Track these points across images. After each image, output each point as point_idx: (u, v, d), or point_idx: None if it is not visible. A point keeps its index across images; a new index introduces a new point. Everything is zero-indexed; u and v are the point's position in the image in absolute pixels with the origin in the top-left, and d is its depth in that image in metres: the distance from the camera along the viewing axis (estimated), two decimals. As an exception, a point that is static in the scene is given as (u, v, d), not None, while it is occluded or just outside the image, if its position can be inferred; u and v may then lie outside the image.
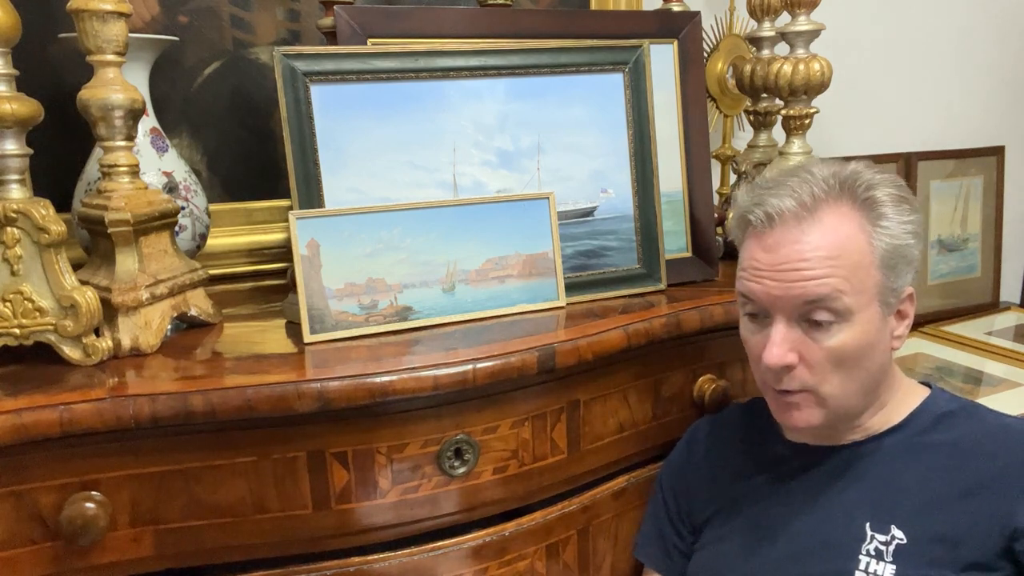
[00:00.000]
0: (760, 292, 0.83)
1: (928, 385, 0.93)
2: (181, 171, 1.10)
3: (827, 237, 0.80)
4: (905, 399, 0.90)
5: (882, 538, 0.82)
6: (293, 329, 0.98)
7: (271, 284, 1.24)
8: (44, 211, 0.84)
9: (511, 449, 0.93)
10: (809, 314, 0.81)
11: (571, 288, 1.08)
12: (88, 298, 0.85)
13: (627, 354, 0.99)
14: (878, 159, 1.87)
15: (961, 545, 0.79)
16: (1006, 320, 2.00)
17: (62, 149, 1.11)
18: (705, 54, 1.43)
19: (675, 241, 1.21)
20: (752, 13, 1.35)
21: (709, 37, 1.51)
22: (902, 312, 0.86)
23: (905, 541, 0.81)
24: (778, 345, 0.82)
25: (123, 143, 0.91)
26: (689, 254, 1.22)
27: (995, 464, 0.82)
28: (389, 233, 0.98)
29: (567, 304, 1.06)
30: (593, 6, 1.48)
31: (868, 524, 0.83)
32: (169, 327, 0.95)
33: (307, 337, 0.93)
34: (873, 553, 0.82)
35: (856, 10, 1.78)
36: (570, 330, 0.96)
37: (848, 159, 0.88)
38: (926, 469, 0.84)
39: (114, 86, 0.88)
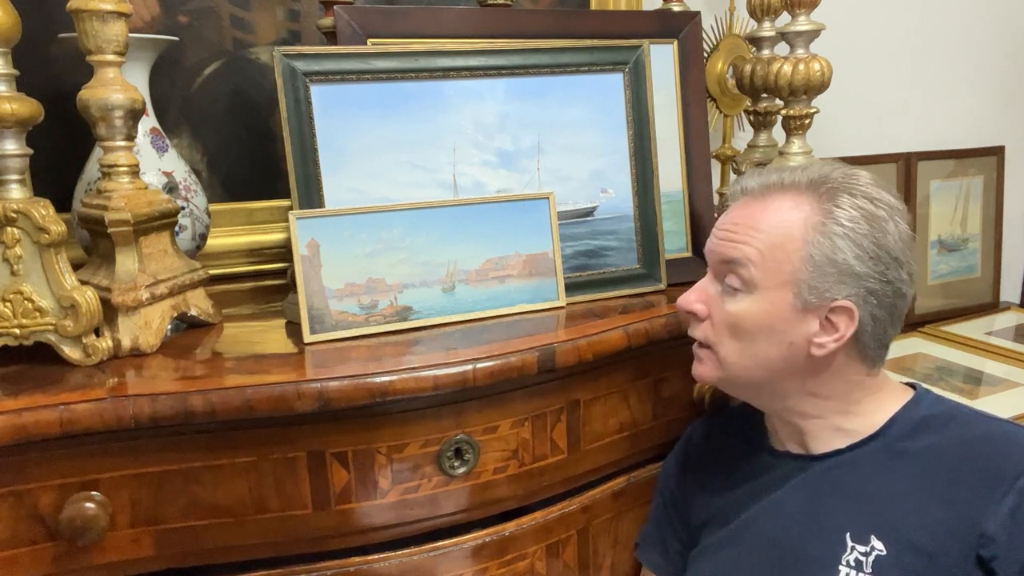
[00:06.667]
0: (707, 245, 0.91)
1: (914, 386, 0.92)
2: (181, 171, 1.10)
3: (764, 214, 0.85)
4: (884, 403, 0.89)
5: (862, 549, 0.82)
6: (293, 329, 0.98)
7: (271, 284, 1.24)
8: (44, 211, 0.84)
9: (511, 449, 0.93)
10: (724, 275, 0.87)
11: (571, 288, 1.08)
12: (88, 298, 0.85)
13: (627, 354, 0.99)
14: (878, 159, 1.87)
15: (939, 556, 0.78)
16: (1006, 320, 2.00)
17: (62, 149, 1.11)
18: (705, 54, 1.43)
19: (675, 241, 1.21)
20: (752, 13, 1.35)
21: (709, 37, 1.51)
22: (832, 323, 0.82)
23: (885, 552, 0.80)
24: (693, 292, 0.90)
25: (123, 143, 0.91)
26: (689, 254, 1.22)
27: (971, 472, 0.81)
28: (389, 233, 0.98)
29: (567, 304, 1.06)
30: (593, 6, 1.48)
31: (848, 534, 0.83)
32: (169, 327, 0.95)
33: (307, 337, 0.93)
34: (853, 564, 0.81)
35: (856, 10, 1.78)
36: (570, 330, 0.96)
37: (844, 161, 0.90)
38: (906, 478, 0.84)
39: (114, 86, 0.88)
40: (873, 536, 0.82)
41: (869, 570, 0.80)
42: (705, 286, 0.90)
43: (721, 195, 1.54)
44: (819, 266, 0.81)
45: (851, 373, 0.86)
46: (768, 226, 0.84)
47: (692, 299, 0.89)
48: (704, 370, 0.91)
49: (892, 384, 0.92)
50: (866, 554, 0.81)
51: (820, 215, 0.82)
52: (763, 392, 0.90)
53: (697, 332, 0.90)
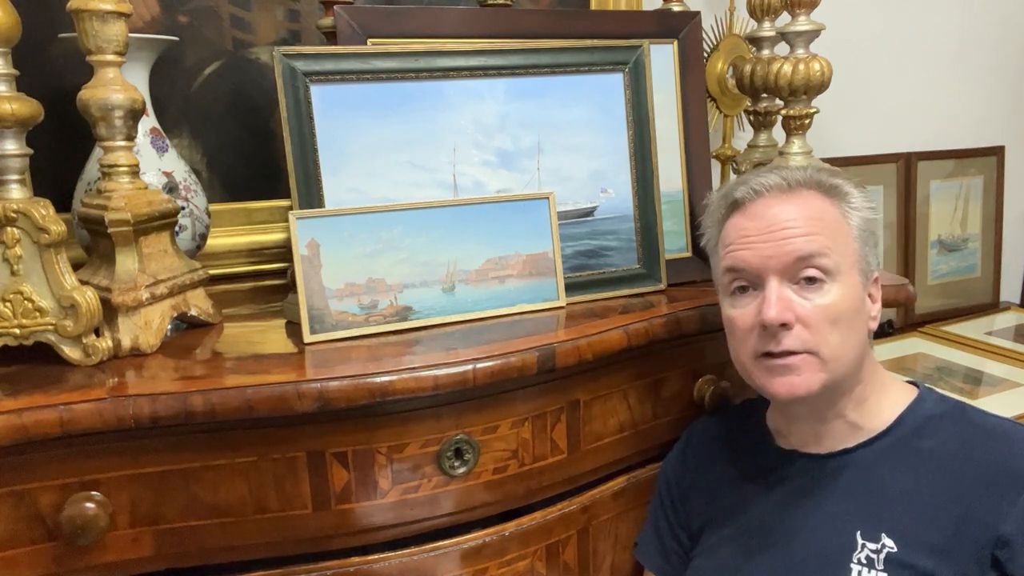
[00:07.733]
0: (751, 257, 0.85)
1: (916, 385, 0.92)
2: (181, 171, 1.10)
3: (807, 205, 0.86)
4: (892, 401, 0.89)
5: (873, 546, 0.82)
6: (293, 329, 0.98)
7: (271, 284, 1.24)
8: (44, 211, 0.84)
9: (511, 449, 0.93)
10: (801, 272, 0.83)
11: (571, 288, 1.08)
12: (88, 298, 0.85)
13: (627, 354, 0.99)
14: (878, 159, 1.87)
15: (950, 554, 0.79)
16: (1006, 320, 2.00)
17: (62, 149, 1.11)
18: (705, 54, 1.43)
19: (675, 241, 1.21)
20: (752, 13, 1.35)
21: (709, 37, 1.50)
22: (872, 294, 0.89)
23: (896, 550, 0.81)
24: (774, 305, 0.82)
25: (123, 143, 0.91)
26: (689, 254, 1.22)
27: (980, 470, 0.81)
28: (389, 233, 0.98)
29: (567, 304, 1.06)
30: (593, 6, 1.48)
31: (859, 532, 0.83)
32: (169, 327, 0.95)
33: (307, 337, 0.93)
34: (864, 562, 0.81)
35: (856, 10, 1.78)
36: (570, 330, 0.96)
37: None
38: (914, 476, 0.84)
39: (114, 86, 0.88)
40: (884, 534, 0.82)
41: (880, 567, 0.80)
42: (780, 293, 0.83)
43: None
44: (866, 241, 0.87)
45: (869, 347, 0.89)
46: (821, 213, 0.85)
47: (778, 310, 0.82)
48: (803, 380, 0.83)
49: (897, 382, 0.93)
50: (877, 551, 0.81)
51: (839, 196, 0.87)
52: (846, 382, 0.86)
53: (793, 341, 0.82)
